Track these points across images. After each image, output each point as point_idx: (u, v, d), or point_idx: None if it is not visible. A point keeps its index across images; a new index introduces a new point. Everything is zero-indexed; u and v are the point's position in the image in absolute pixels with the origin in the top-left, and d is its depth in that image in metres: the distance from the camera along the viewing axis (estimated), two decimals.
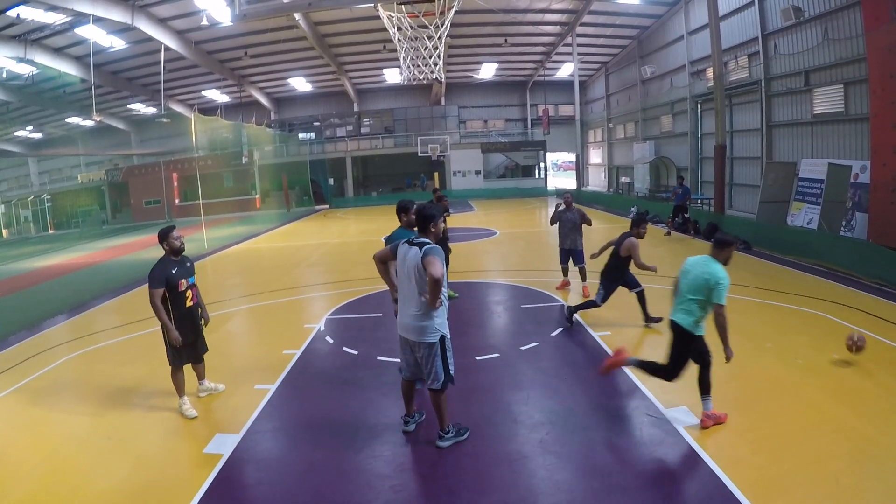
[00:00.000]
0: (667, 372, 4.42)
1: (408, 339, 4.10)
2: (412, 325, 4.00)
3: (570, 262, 8.69)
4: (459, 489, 3.67)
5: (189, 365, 5.15)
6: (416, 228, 4.22)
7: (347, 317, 8.08)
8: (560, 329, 6.92)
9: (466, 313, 7.87)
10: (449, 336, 4.11)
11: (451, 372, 4.12)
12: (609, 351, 6.05)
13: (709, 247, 4.46)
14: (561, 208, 8.62)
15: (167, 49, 22.80)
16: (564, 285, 8.95)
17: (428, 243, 3.93)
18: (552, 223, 8.83)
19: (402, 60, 17.76)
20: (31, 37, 20.98)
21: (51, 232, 33.38)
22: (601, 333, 6.63)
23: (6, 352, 7.22)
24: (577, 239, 8.49)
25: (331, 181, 34.77)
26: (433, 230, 4.05)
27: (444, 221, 8.21)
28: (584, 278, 8.62)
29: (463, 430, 4.34)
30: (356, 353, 6.41)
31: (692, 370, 4.39)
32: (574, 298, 8.29)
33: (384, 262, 4.31)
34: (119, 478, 3.96)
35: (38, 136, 40.04)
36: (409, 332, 4.04)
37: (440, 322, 4.00)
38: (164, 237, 5.22)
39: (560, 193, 29.86)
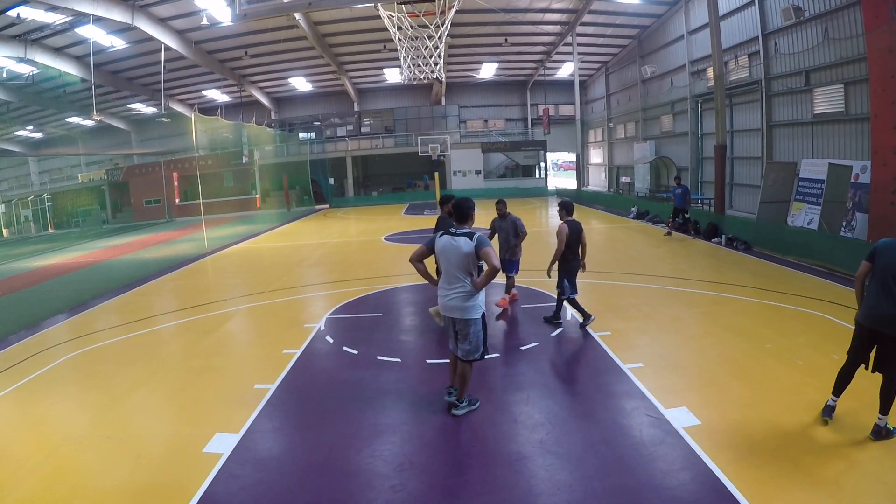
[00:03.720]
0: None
1: (452, 318, 4.52)
2: (457, 306, 4.44)
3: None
4: (459, 489, 3.67)
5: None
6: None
7: (347, 316, 8.08)
8: (560, 329, 6.92)
9: None
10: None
11: (486, 348, 4.60)
12: (610, 352, 6.06)
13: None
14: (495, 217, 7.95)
15: (167, 49, 22.81)
16: (510, 300, 8.20)
17: (474, 233, 4.40)
18: (491, 236, 7.79)
19: (402, 60, 17.77)
20: (32, 37, 20.99)
21: (51, 231, 33.38)
22: (601, 334, 6.63)
23: (6, 351, 7.22)
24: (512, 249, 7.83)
25: (331, 181, 34.77)
26: (469, 223, 4.58)
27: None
28: (507, 289, 8.16)
29: (474, 400, 4.80)
30: (356, 352, 6.41)
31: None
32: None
33: (421, 260, 4.73)
34: (119, 478, 3.97)
35: (38, 135, 40.08)
36: (454, 312, 4.47)
37: (482, 301, 4.52)
38: (446, 202, 6.45)
39: (560, 194, 29.82)
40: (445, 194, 7.59)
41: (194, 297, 9.93)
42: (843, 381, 4.22)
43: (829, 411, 4.25)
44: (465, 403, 4.69)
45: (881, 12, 9.72)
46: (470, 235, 4.37)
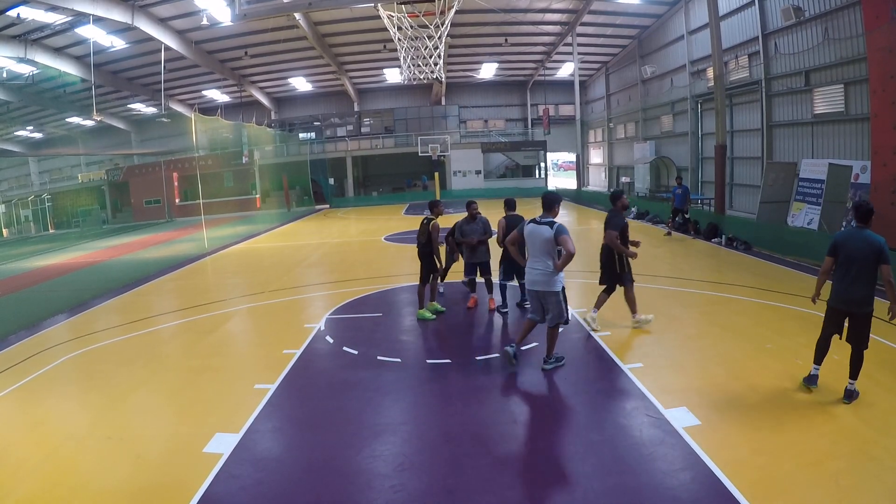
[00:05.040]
0: None
1: (537, 291, 5.39)
2: (542, 280, 5.31)
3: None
4: (459, 489, 3.67)
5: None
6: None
7: (347, 317, 8.08)
8: (560, 329, 6.90)
9: (466, 313, 7.87)
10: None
11: (568, 315, 5.51)
12: (610, 352, 6.06)
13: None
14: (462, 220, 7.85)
15: (167, 49, 22.81)
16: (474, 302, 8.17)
17: (555, 222, 5.25)
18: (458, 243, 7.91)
19: (402, 60, 17.76)
20: (32, 37, 20.99)
21: (51, 231, 33.38)
22: (601, 334, 6.62)
23: (6, 351, 7.22)
24: (484, 251, 7.81)
25: (331, 181, 34.77)
26: (553, 212, 5.40)
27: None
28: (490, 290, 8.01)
29: (561, 358, 5.66)
30: (356, 352, 6.41)
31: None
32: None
33: (514, 243, 5.72)
34: (119, 478, 3.97)
35: (38, 135, 40.08)
36: (538, 286, 5.35)
37: (561, 277, 5.34)
38: (618, 198, 6.79)
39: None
40: (431, 200, 8.12)
41: (194, 297, 9.93)
42: (821, 350, 4.77)
43: (813, 380, 4.75)
44: (552, 360, 5.56)
45: (881, 12, 9.71)
46: (551, 224, 5.23)
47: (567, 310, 5.46)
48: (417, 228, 7.88)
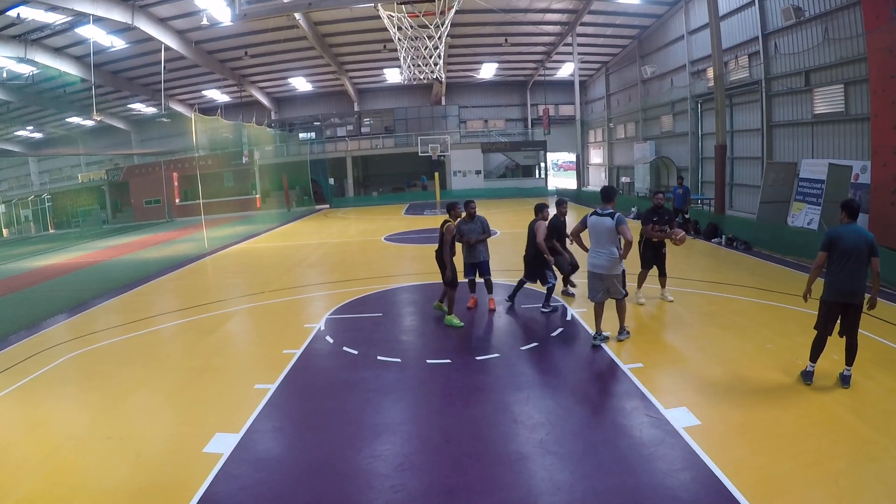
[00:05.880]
0: None
1: (601, 274, 6.01)
2: (605, 265, 5.95)
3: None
4: (459, 489, 3.67)
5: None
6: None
7: (347, 317, 8.08)
8: (560, 329, 6.92)
9: (467, 313, 7.87)
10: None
11: (625, 290, 6.24)
12: (610, 352, 6.06)
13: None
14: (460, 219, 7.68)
15: (167, 49, 22.81)
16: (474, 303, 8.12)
17: (615, 213, 5.87)
18: (459, 239, 7.64)
19: (402, 60, 17.77)
20: (32, 37, 21.00)
21: (51, 231, 33.37)
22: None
23: (6, 351, 7.21)
24: (483, 250, 7.75)
25: (331, 181, 34.76)
26: (612, 203, 5.99)
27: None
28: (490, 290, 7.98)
29: (627, 332, 6.36)
30: (356, 352, 6.41)
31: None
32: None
33: (578, 234, 6.41)
34: (119, 478, 3.97)
35: (38, 135, 40.10)
36: (602, 269, 5.98)
37: (622, 263, 5.98)
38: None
39: (560, 197, 29.74)
40: (450, 201, 7.86)
41: (194, 297, 9.93)
42: (817, 349, 4.93)
43: (808, 376, 4.91)
44: (626, 332, 6.32)
45: (881, 12, 9.72)
46: (612, 215, 5.85)
47: (624, 285, 6.20)
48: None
